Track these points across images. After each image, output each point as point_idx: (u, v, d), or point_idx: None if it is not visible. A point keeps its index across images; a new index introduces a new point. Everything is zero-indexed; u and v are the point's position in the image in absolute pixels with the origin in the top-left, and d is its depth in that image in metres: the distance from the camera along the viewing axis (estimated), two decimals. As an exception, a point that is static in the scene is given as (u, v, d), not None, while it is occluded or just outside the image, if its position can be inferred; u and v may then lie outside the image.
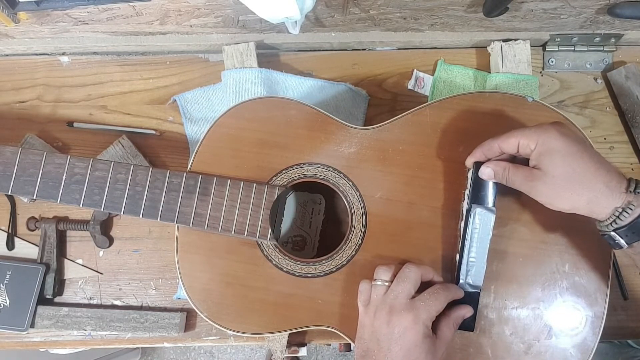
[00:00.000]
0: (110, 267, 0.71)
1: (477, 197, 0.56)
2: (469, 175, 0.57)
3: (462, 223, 0.57)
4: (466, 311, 0.54)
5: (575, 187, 0.47)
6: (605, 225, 0.48)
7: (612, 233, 0.48)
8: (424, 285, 0.54)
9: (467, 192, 0.57)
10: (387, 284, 0.53)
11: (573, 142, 0.48)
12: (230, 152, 0.60)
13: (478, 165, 0.55)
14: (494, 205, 0.55)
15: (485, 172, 0.53)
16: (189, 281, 0.59)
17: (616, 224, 0.47)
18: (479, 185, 0.56)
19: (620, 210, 0.46)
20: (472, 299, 0.55)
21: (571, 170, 0.47)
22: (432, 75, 0.73)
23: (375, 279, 0.54)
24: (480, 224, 0.55)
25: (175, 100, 0.72)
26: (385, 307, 0.52)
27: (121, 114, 0.74)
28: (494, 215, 0.55)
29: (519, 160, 0.53)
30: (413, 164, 0.59)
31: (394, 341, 0.50)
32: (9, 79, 0.74)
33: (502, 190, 0.57)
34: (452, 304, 0.54)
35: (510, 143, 0.51)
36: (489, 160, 0.54)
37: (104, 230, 0.70)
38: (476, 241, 0.55)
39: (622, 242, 0.48)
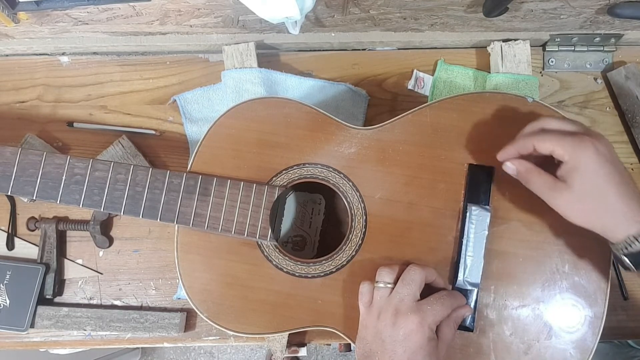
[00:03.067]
0: (110, 267, 0.71)
1: (473, 197, 0.57)
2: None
3: (460, 222, 0.57)
4: (466, 311, 0.55)
5: (595, 210, 0.48)
6: (616, 249, 0.49)
7: (623, 257, 0.49)
8: (427, 287, 0.54)
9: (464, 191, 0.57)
10: (389, 286, 0.53)
11: (605, 163, 0.48)
12: (230, 152, 0.60)
13: (473, 166, 0.57)
14: (489, 204, 0.57)
15: (510, 167, 0.53)
16: (189, 281, 0.59)
17: (627, 250, 0.48)
18: (474, 184, 0.57)
19: (632, 238, 0.47)
20: (470, 296, 0.56)
21: (596, 193, 0.48)
22: (432, 75, 0.73)
23: (377, 281, 0.54)
24: (476, 223, 0.56)
25: (175, 100, 0.72)
26: (390, 308, 0.52)
27: (121, 114, 0.74)
28: (489, 214, 0.56)
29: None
30: (413, 164, 0.59)
31: (398, 343, 0.50)
32: (9, 79, 0.74)
33: (502, 190, 0.58)
34: None
35: (545, 147, 0.50)
36: (520, 156, 0.53)
37: (104, 230, 0.70)
38: (473, 239, 0.56)
39: (632, 266, 0.49)
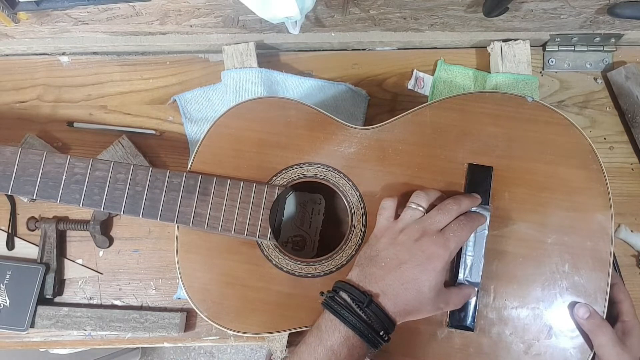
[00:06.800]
0: (110, 267, 0.71)
1: None
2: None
3: None
4: (472, 291, 0.55)
5: None
6: None
7: None
8: None
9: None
10: (421, 209, 0.54)
11: None
12: (230, 152, 0.60)
13: (472, 166, 0.57)
14: (488, 204, 0.57)
15: (581, 310, 0.55)
16: (189, 281, 0.59)
17: None
18: (474, 184, 0.57)
19: None
20: None
21: None
22: (432, 75, 0.73)
23: (411, 202, 0.54)
24: None
25: (175, 100, 0.72)
26: (418, 227, 0.52)
27: (121, 114, 0.74)
28: (489, 214, 0.56)
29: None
30: (413, 164, 0.59)
31: (415, 257, 0.51)
32: (9, 79, 0.74)
33: (502, 191, 0.58)
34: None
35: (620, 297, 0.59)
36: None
37: (104, 230, 0.70)
38: (472, 239, 0.56)
39: None
